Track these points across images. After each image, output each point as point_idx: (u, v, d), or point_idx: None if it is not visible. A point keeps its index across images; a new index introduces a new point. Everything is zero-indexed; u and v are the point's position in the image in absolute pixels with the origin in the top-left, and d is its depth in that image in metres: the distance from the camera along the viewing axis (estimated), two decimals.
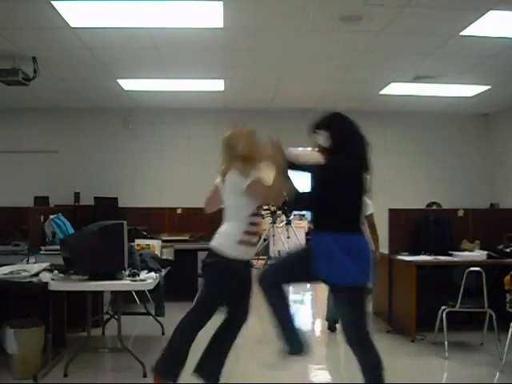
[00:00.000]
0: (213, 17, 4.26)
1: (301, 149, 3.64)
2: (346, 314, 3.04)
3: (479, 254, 5.39)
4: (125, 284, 4.18)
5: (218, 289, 3.36)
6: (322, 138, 2.98)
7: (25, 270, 4.20)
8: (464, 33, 4.54)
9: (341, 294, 3.01)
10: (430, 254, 5.55)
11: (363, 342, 3.04)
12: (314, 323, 6.75)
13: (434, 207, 7.34)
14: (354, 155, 3.00)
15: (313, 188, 3.03)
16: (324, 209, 2.95)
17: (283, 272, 3.20)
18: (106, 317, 5.55)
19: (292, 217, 11.61)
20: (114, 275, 4.12)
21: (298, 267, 3.12)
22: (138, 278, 4.24)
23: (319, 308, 6.86)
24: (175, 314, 6.28)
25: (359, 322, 3.03)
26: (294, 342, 3.17)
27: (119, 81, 6.34)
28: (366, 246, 3.03)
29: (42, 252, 5.25)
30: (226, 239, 3.27)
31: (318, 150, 3.04)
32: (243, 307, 3.59)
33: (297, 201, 3.06)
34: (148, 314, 5.66)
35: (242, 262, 3.32)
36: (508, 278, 4.43)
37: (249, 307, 3.63)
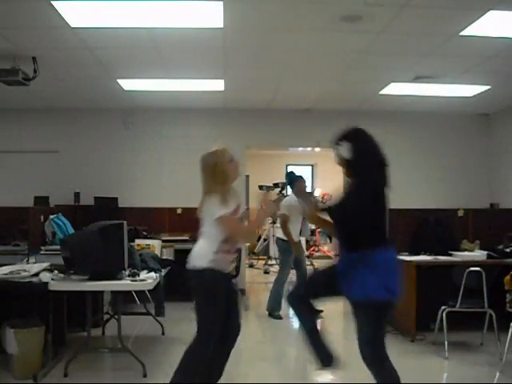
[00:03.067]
0: (213, 17, 4.26)
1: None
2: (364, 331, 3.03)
3: (479, 254, 5.40)
4: (125, 284, 4.18)
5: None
6: (344, 150, 3.05)
7: (25, 270, 4.21)
8: (464, 33, 4.54)
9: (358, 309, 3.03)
10: (429, 254, 5.55)
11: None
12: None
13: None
14: (374, 172, 3.04)
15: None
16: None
17: (310, 288, 3.31)
18: (106, 317, 5.55)
19: None
20: (113, 275, 4.12)
21: (324, 284, 3.20)
22: (138, 277, 4.25)
23: (319, 308, 6.88)
24: (175, 313, 6.33)
25: (375, 340, 3.01)
26: (323, 355, 3.22)
27: (119, 81, 6.34)
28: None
29: (42, 252, 5.25)
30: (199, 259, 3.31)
31: (339, 162, 3.12)
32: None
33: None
34: (148, 314, 5.67)
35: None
36: (508, 278, 4.43)
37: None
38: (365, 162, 3.03)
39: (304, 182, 6.58)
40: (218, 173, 3.36)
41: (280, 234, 6.46)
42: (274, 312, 6.49)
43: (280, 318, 6.46)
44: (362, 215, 2.93)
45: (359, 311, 3.01)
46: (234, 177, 3.41)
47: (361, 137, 3.14)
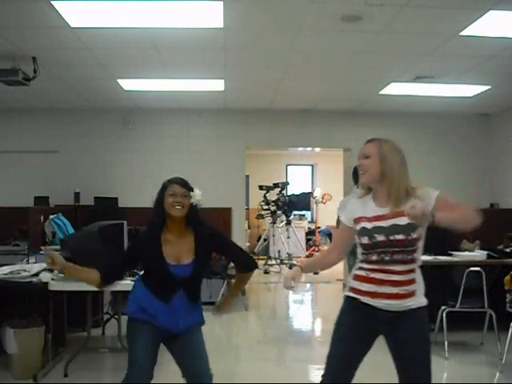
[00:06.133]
0: (213, 17, 4.26)
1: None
2: None
3: (479, 254, 5.39)
4: (125, 284, 4.17)
5: None
6: None
7: (25, 270, 4.21)
8: (464, 33, 4.54)
9: None
10: (430, 254, 5.55)
11: None
12: (313, 323, 6.75)
13: None
14: None
15: None
16: None
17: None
18: (106, 317, 5.55)
19: (292, 217, 11.64)
20: None
21: None
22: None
23: (319, 308, 6.87)
24: None
25: None
26: None
27: (119, 81, 6.34)
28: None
29: (41, 252, 5.24)
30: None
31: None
32: None
33: None
34: None
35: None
36: (508, 278, 4.43)
37: None
38: None
39: None
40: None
41: None
42: None
43: None
44: None
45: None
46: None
47: None
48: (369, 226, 2.43)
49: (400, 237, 2.36)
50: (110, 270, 2.84)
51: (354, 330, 2.50)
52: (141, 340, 2.76)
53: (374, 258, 2.41)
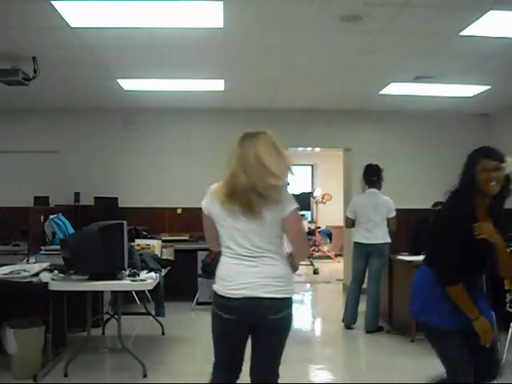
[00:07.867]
0: (213, 17, 4.26)
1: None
2: None
3: None
4: (125, 284, 4.18)
5: None
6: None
7: (25, 270, 4.21)
8: (464, 33, 4.54)
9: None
10: None
11: None
12: (313, 323, 6.74)
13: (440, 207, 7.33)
14: None
15: None
16: None
17: None
18: (106, 317, 5.56)
19: None
20: (114, 275, 4.12)
21: None
22: (137, 277, 4.25)
23: (319, 308, 6.87)
24: (175, 313, 6.33)
25: None
26: None
27: (119, 81, 6.34)
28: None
29: (42, 252, 5.25)
30: None
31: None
32: None
33: None
34: (148, 314, 5.67)
35: None
36: None
37: None
38: None
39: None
40: None
41: (382, 238, 5.65)
42: (376, 326, 5.65)
43: (382, 329, 5.71)
44: None
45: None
46: None
47: None
48: None
49: None
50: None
51: None
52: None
53: None
